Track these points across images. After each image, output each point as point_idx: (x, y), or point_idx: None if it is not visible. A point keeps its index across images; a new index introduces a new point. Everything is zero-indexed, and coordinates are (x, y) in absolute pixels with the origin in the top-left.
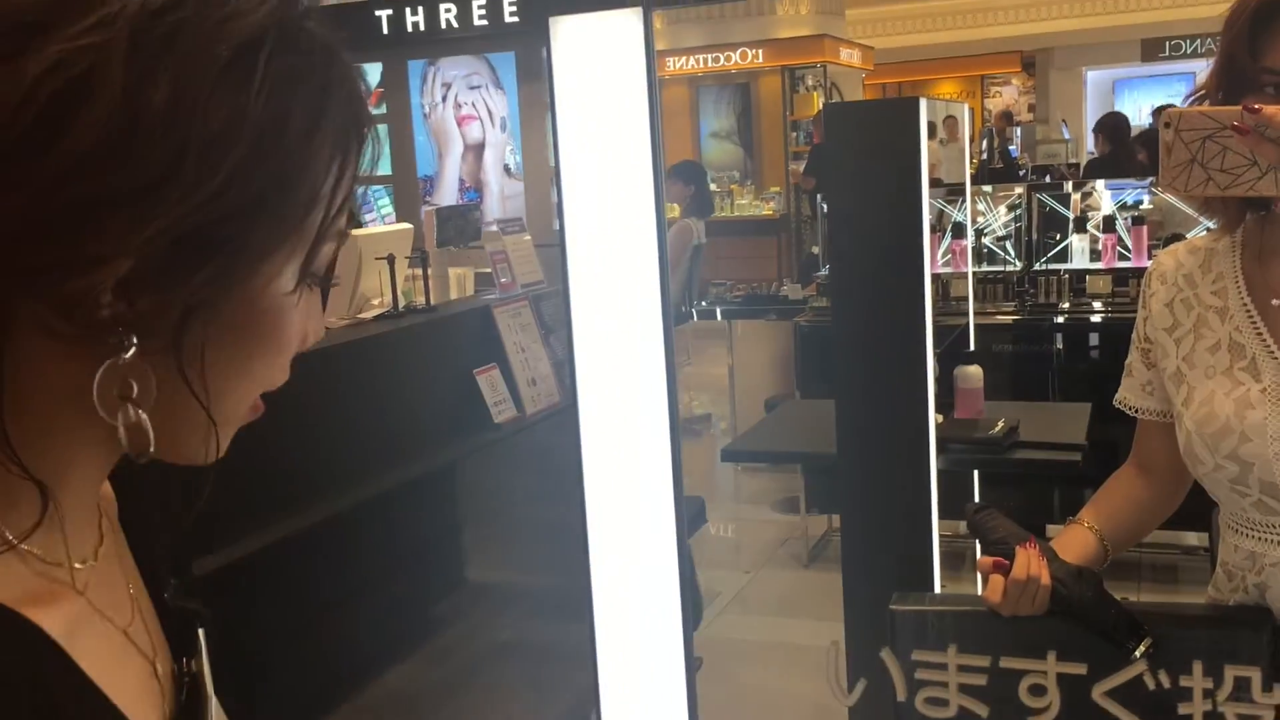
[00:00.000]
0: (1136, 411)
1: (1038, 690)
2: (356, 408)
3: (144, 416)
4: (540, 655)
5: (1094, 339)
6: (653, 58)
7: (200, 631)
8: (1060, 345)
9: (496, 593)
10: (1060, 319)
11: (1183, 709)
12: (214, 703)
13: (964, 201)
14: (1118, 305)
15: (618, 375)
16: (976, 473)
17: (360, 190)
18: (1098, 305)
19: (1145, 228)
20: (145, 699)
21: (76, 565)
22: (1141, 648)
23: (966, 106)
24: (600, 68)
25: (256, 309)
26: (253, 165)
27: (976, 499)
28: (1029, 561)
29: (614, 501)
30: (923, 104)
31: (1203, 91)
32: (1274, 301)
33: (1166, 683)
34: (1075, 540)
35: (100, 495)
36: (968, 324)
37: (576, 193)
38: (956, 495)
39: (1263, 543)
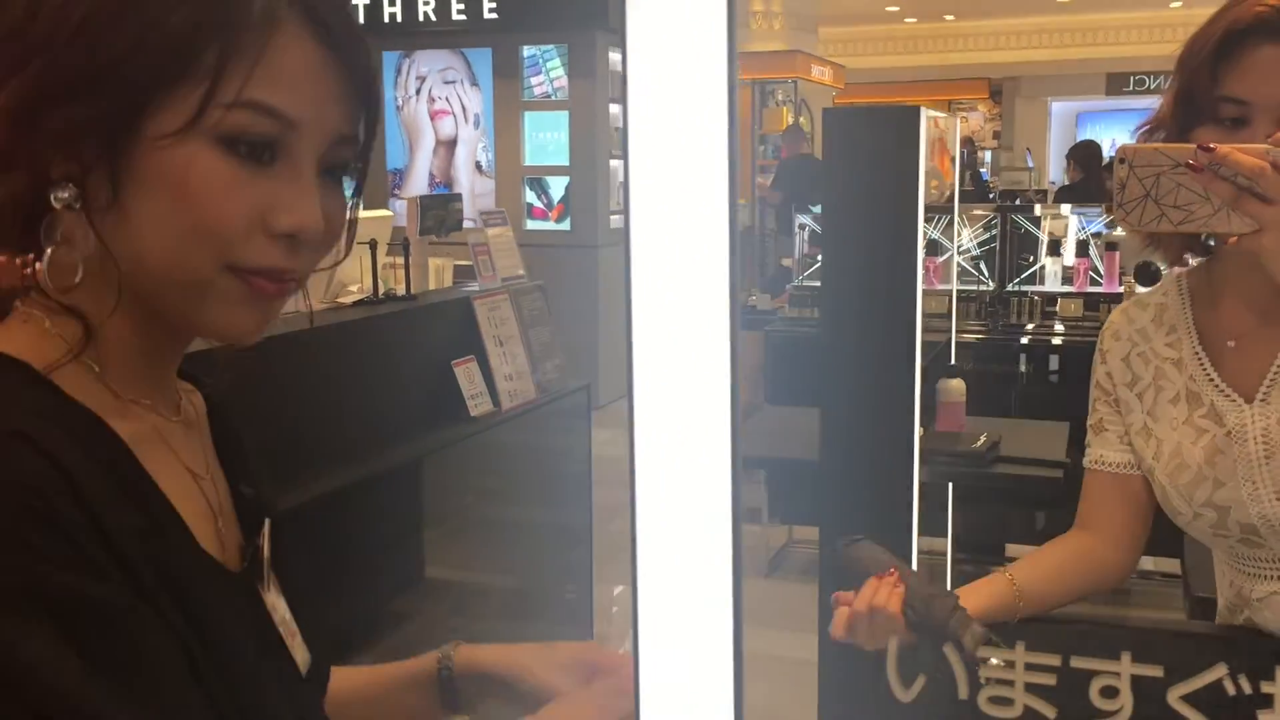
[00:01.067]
0: (1115, 467)
1: (1110, 692)
2: (331, 393)
3: (71, 257)
4: None
5: (1061, 361)
6: (734, 27)
7: (268, 521)
8: (1030, 365)
9: (456, 591)
10: (1025, 339)
11: (1263, 716)
12: (272, 579)
13: (948, 219)
14: (1087, 329)
15: (678, 371)
16: (951, 488)
17: None
18: (1068, 328)
19: (1117, 254)
20: (205, 539)
21: (145, 402)
22: (990, 664)
23: (957, 120)
24: (677, 36)
25: (160, 166)
26: (104, 22)
27: (950, 516)
28: (875, 592)
29: (667, 503)
30: (923, 113)
31: (1153, 125)
32: (1230, 343)
33: (1248, 688)
34: (984, 584)
35: (184, 390)
36: (949, 339)
37: (645, 170)
38: (928, 514)
39: (1251, 578)
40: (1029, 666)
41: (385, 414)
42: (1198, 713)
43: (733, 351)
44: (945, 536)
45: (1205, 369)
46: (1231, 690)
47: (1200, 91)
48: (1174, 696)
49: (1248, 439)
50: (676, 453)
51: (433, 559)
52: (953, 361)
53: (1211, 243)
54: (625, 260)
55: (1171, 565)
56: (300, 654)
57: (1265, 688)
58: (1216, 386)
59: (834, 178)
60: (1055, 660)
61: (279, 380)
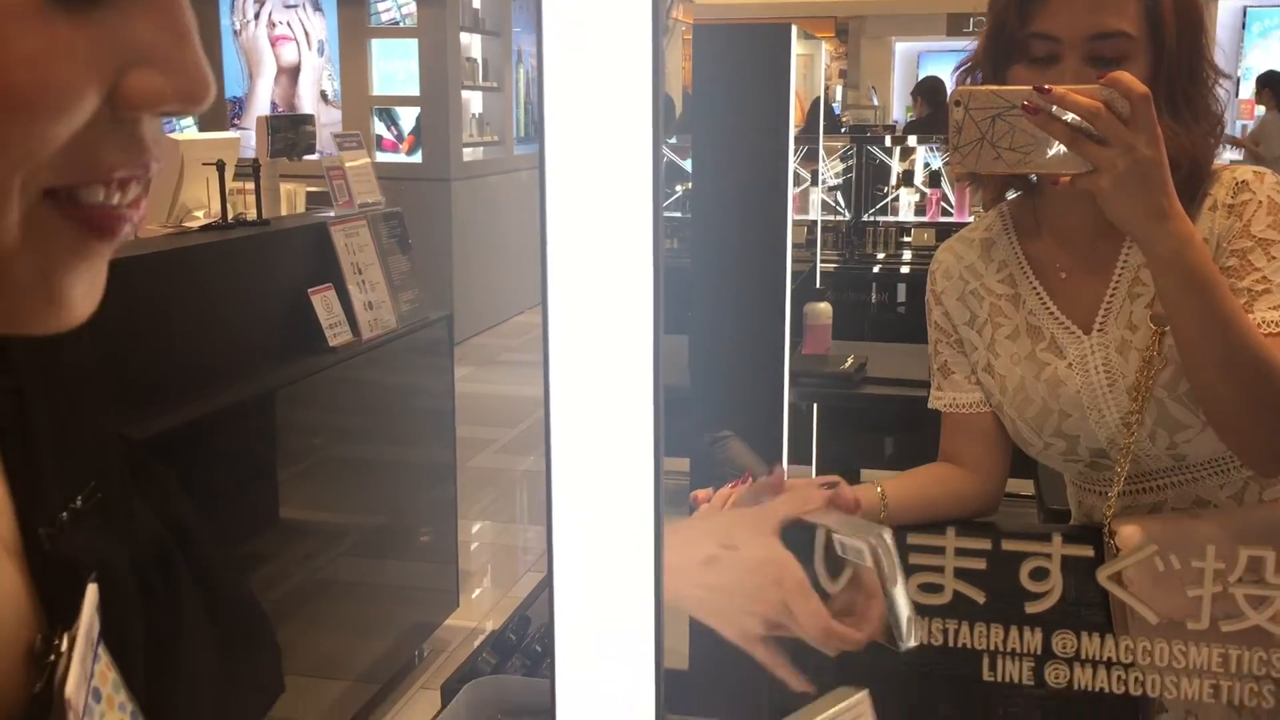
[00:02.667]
0: (968, 407)
1: (1040, 574)
2: (178, 323)
3: None
4: (360, 595)
5: (913, 289)
6: None
7: (92, 590)
8: (884, 293)
9: (314, 532)
10: (880, 268)
11: (1191, 592)
12: (97, 679)
13: (805, 149)
14: None
15: (596, 315)
16: (816, 411)
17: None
18: (921, 256)
19: (968, 185)
20: None
21: None
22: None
23: (823, 45)
24: None
25: None
26: None
27: (815, 439)
28: (725, 501)
29: (585, 447)
30: (793, 31)
31: (970, 65)
32: (1062, 275)
33: (1177, 564)
34: (853, 489)
35: None
36: (812, 267)
37: (561, 103)
38: (795, 440)
39: (1099, 496)
40: (959, 552)
41: (236, 345)
42: (1125, 590)
43: (656, 285)
44: (809, 464)
45: (1044, 302)
46: (1161, 567)
47: (1010, 31)
48: (1103, 576)
49: (1089, 369)
50: (594, 391)
51: (288, 499)
52: (819, 286)
53: (1034, 178)
54: (540, 199)
55: (1025, 485)
56: None
57: (1195, 563)
58: (1056, 319)
59: (701, 95)
60: (986, 544)
61: (118, 309)
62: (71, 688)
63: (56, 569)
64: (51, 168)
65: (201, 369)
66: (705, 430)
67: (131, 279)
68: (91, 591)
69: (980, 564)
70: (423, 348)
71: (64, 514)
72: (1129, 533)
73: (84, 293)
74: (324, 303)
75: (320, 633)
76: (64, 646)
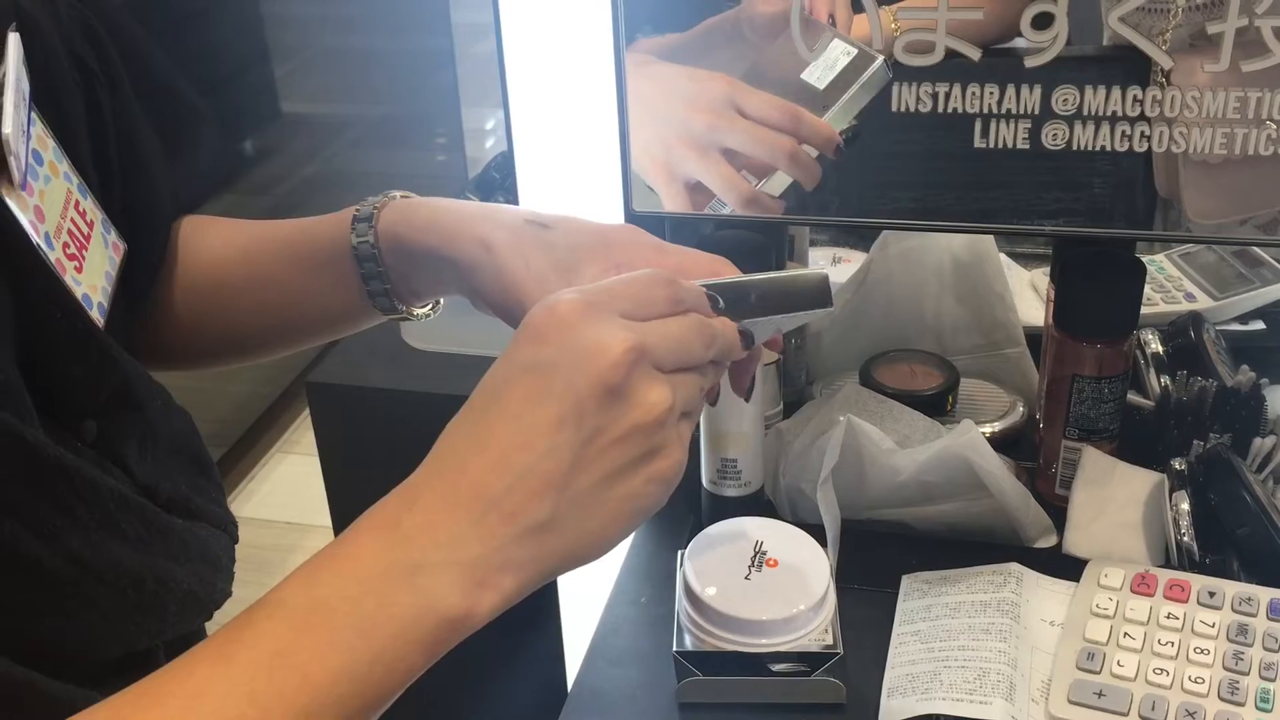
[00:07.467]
0: None
1: (1043, 20)
2: None
3: None
4: (366, 184)
5: None
6: None
7: (14, 39)
8: None
9: (317, 124)
10: None
11: (1212, 28)
12: (38, 141)
13: None
14: None
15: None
16: None
17: None
18: None
19: None
20: None
21: None
22: None
23: None
24: None
25: None
26: None
27: None
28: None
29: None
30: None
31: None
32: None
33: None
34: None
35: None
36: None
37: None
38: None
39: None
40: (953, 5)
41: None
42: (1139, 36)
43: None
44: None
45: None
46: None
47: None
48: (1114, 17)
49: None
50: None
51: (287, 93)
52: None
53: None
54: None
55: None
56: (98, 270)
57: None
58: None
59: None
60: None
61: None
62: (8, 128)
63: None
64: None
65: None
66: None
67: None
68: (14, 40)
69: (977, 15)
70: None
71: None
72: None
73: None
74: None
75: None
76: None
